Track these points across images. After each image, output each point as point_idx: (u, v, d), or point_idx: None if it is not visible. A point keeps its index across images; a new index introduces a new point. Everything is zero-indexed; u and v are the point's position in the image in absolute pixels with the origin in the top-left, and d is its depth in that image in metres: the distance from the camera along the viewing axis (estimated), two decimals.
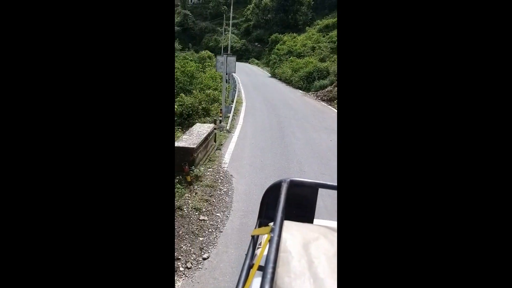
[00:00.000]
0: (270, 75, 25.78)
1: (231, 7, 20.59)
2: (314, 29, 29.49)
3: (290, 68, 21.39)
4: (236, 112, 10.41)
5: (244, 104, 12.15)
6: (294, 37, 28.25)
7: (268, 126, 8.74)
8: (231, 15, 18.91)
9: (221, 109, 8.99)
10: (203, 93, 11.07)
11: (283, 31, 32.80)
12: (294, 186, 0.71)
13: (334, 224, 0.81)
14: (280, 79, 22.38)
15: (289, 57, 24.23)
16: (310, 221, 0.78)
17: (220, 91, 10.63)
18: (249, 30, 44.73)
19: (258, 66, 35.28)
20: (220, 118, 8.51)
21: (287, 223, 0.67)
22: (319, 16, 34.99)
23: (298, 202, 0.74)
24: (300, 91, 17.82)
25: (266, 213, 0.75)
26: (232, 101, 11.14)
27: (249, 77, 23.56)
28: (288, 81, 20.56)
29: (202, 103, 10.36)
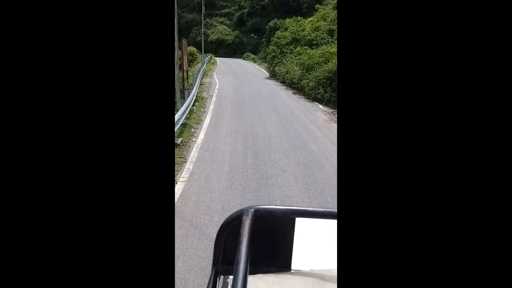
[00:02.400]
0: (268, 74, 17.36)
1: None
2: (327, 6, 20.67)
3: (298, 66, 12.98)
4: None
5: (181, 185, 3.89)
6: (300, 21, 19.60)
7: None
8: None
9: None
10: None
11: (284, 17, 23.97)
12: (261, 217, 0.52)
13: (325, 269, 0.60)
14: (283, 82, 13.95)
15: (295, 48, 15.78)
16: (287, 264, 0.58)
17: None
18: (243, 20, 35.96)
19: (254, 62, 26.74)
20: None
21: (253, 278, 0.50)
22: None
23: (268, 238, 0.55)
24: (321, 106, 9.46)
25: (225, 257, 0.56)
26: None
27: (236, 79, 15.11)
28: (296, 87, 12.20)
29: None
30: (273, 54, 16.90)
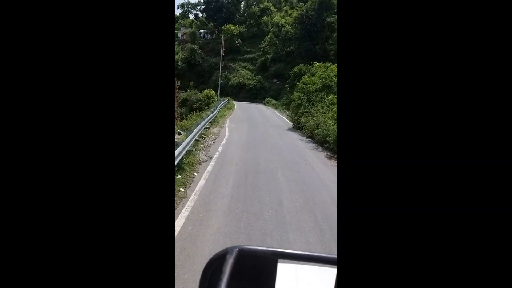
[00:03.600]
0: (292, 125, 14.15)
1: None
2: None
3: (333, 119, 9.67)
4: None
5: None
6: (330, 66, 16.85)
7: None
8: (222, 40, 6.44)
9: None
10: None
11: (309, 64, 21.51)
12: (244, 257, 0.53)
13: None
14: (310, 138, 10.57)
15: (327, 96, 12.66)
16: None
17: None
18: (266, 65, 34.31)
19: (276, 108, 24.00)
20: None
21: None
22: None
23: (252, 279, 0.55)
24: None
25: None
26: None
27: (252, 130, 11.87)
28: (332, 148, 8.74)
29: None
30: (299, 102, 13.82)
